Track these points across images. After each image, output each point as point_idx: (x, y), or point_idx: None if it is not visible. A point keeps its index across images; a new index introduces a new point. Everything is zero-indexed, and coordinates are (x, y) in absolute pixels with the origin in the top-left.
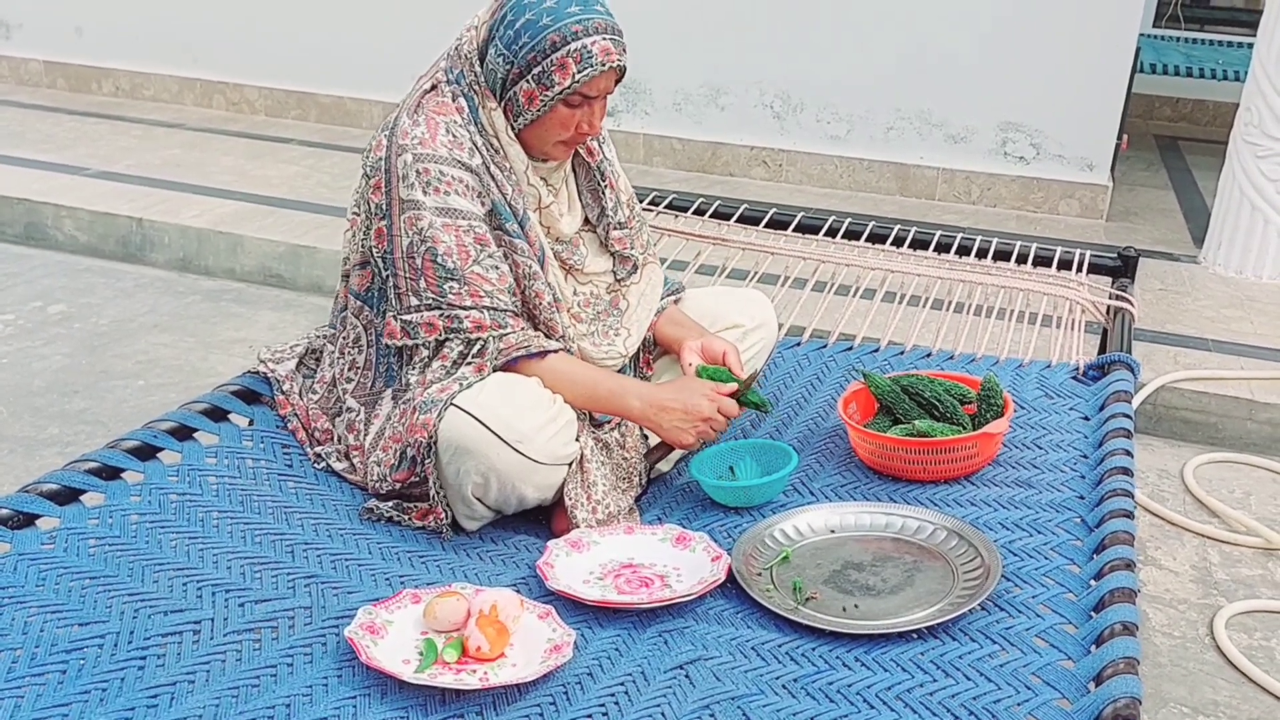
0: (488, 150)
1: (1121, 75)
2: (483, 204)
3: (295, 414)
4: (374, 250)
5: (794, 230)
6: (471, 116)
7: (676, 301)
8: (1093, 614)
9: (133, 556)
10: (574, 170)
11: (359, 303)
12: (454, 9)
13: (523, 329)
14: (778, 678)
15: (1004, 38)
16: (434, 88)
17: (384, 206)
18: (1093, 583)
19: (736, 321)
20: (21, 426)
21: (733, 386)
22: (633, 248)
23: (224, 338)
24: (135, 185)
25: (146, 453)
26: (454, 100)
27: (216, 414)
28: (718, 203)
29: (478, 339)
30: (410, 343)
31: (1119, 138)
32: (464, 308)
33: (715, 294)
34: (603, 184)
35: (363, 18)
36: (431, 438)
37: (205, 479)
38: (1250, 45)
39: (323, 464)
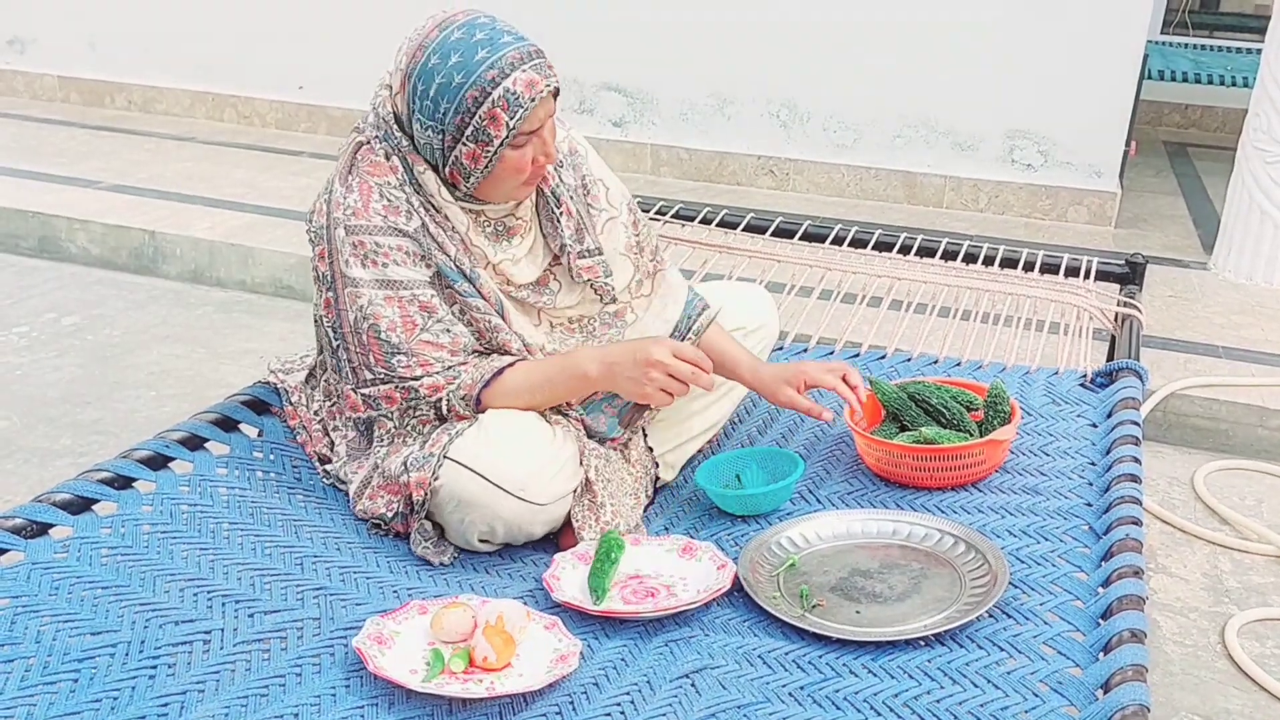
0: (426, 211)
1: (1129, 82)
2: (428, 266)
3: (304, 426)
4: (324, 319)
5: (800, 238)
6: (407, 177)
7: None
8: (1100, 621)
9: (144, 566)
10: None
11: (326, 354)
12: None
13: (474, 365)
14: (784, 686)
15: (1011, 45)
16: (368, 143)
17: (329, 278)
18: (1100, 590)
19: (740, 324)
20: (35, 437)
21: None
22: (608, 275)
23: (235, 348)
24: (148, 198)
25: (158, 462)
26: (387, 159)
27: (227, 424)
28: (724, 211)
29: (439, 400)
30: (375, 414)
31: (1127, 144)
32: (415, 378)
33: (717, 293)
34: (558, 210)
35: (371, 30)
36: (429, 494)
37: (216, 489)
38: (1258, 51)
39: (330, 479)
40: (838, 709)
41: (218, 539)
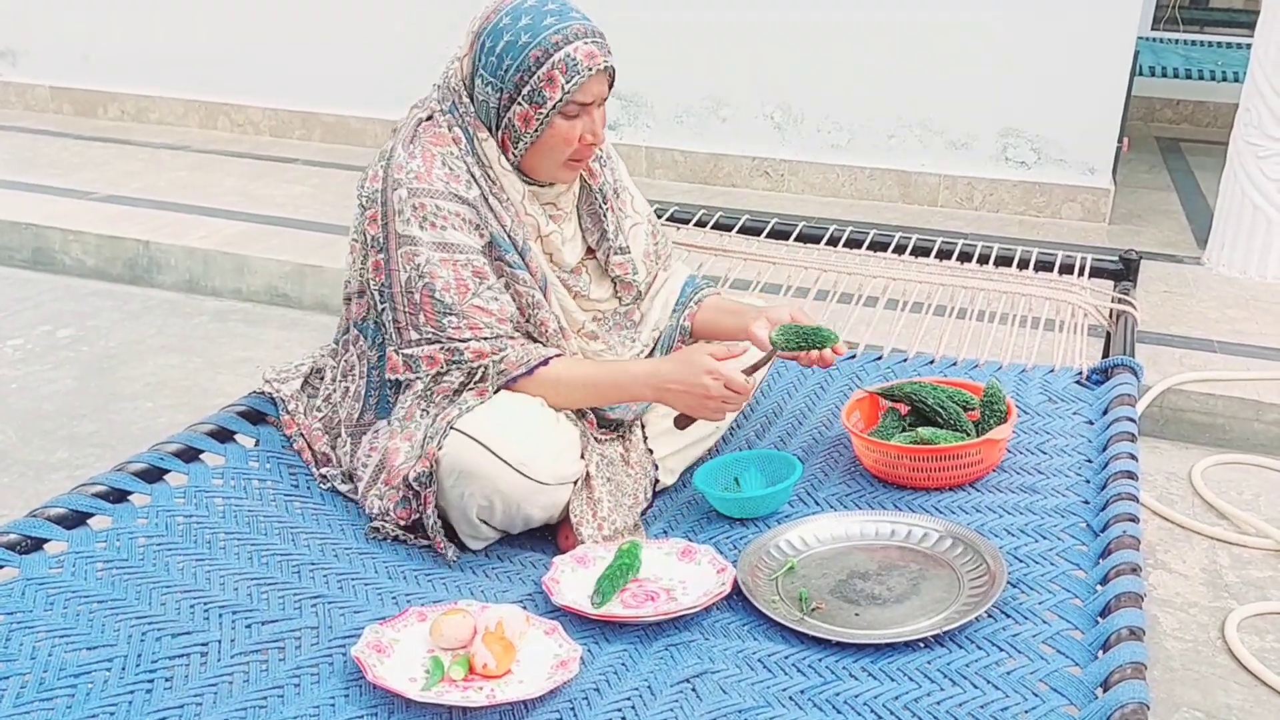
0: (485, 181)
1: (1121, 78)
2: (481, 236)
3: (300, 433)
4: (370, 282)
5: (796, 240)
6: (469, 147)
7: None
8: (1099, 619)
9: (140, 579)
10: (579, 196)
11: (355, 331)
12: (456, 28)
13: (521, 345)
14: (784, 689)
15: (1002, 44)
16: (430, 117)
17: (381, 240)
18: (1099, 588)
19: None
20: (30, 450)
21: (752, 358)
22: (635, 271)
23: (231, 358)
24: (142, 208)
25: (153, 475)
26: (450, 130)
27: (222, 435)
28: (719, 214)
29: (479, 366)
30: (412, 376)
31: (1120, 141)
32: (463, 340)
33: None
34: (604, 207)
35: (364, 37)
36: (434, 465)
37: (212, 500)
38: (1248, 46)
39: (328, 484)
40: (838, 712)
41: (214, 549)
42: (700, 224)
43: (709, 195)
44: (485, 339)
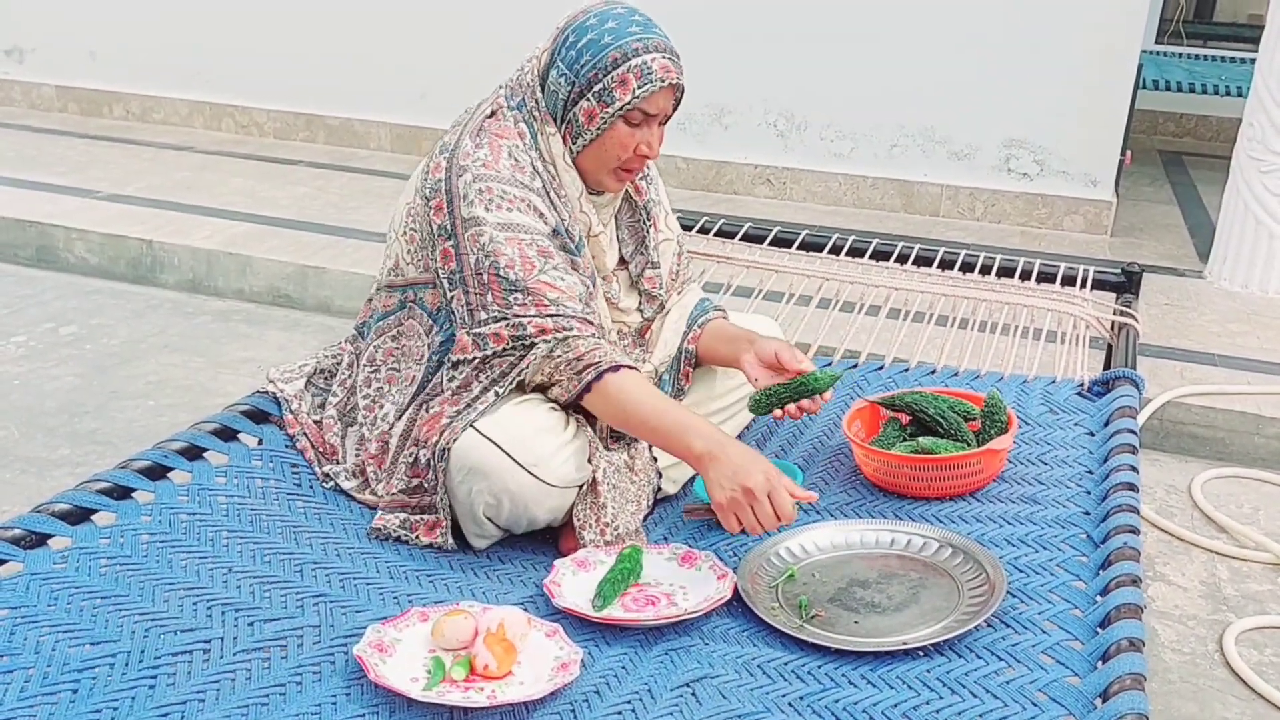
0: (546, 176)
1: (1124, 91)
2: (546, 222)
3: (304, 433)
4: (440, 271)
5: (798, 248)
6: (533, 142)
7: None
8: (1099, 630)
9: (143, 576)
10: (620, 207)
11: (430, 321)
12: (459, 31)
13: (592, 336)
14: (784, 695)
15: (1007, 54)
16: (494, 113)
17: (448, 227)
18: (1098, 599)
19: None
20: (33, 447)
21: (805, 497)
22: (662, 287)
23: (233, 358)
24: (145, 207)
25: (157, 472)
26: (515, 125)
27: (226, 434)
28: (722, 221)
29: (540, 341)
30: (479, 355)
31: (1122, 153)
32: (528, 316)
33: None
34: (647, 223)
35: (370, 41)
36: (446, 450)
37: (215, 498)
38: (1252, 61)
39: (331, 483)
40: (836, 719)
41: (217, 547)
42: (703, 231)
43: (711, 202)
44: (550, 315)
